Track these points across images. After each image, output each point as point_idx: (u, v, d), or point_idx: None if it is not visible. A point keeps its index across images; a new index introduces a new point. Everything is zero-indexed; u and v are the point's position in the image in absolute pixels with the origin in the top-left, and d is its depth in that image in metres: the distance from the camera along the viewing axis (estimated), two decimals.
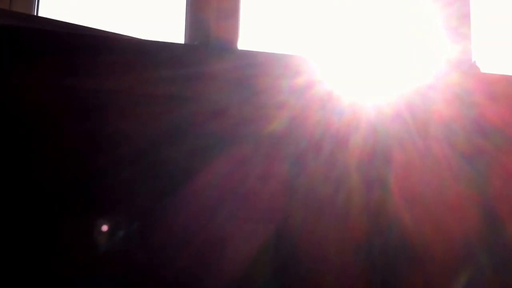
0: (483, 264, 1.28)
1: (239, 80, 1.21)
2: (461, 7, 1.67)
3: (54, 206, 1.10)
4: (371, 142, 1.26)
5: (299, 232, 1.21)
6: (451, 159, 1.32)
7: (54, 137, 1.12)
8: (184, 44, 1.49)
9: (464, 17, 1.66)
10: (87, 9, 1.58)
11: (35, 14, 1.52)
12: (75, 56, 1.14)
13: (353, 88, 1.27)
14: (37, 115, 1.09)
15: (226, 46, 1.49)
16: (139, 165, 1.12)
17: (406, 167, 1.29)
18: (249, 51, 1.27)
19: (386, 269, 1.23)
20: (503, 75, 1.43)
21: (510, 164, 1.35)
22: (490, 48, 1.76)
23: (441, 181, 1.31)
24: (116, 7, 1.63)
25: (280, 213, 1.20)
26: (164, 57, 1.17)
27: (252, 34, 1.67)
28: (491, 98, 1.37)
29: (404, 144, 1.29)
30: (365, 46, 1.56)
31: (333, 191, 1.23)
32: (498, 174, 1.34)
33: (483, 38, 1.73)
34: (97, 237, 1.08)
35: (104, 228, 1.11)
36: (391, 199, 1.27)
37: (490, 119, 1.35)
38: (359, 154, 1.25)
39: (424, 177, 1.30)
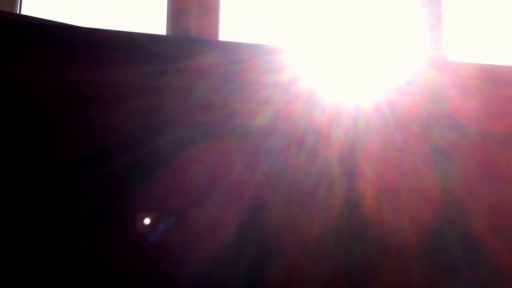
0: (455, 254, 1.32)
1: (225, 74, 1.22)
2: (434, 5, 1.71)
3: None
4: (352, 136, 1.28)
5: (282, 223, 1.23)
6: (428, 152, 1.35)
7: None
8: (172, 36, 1.49)
9: (437, 16, 1.70)
10: (69, 5, 1.56)
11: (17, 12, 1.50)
12: (61, 48, 1.13)
13: (334, 84, 1.30)
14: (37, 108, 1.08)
15: (213, 39, 1.49)
16: (127, 157, 1.12)
17: (386, 161, 1.33)
18: (236, 43, 1.28)
19: (363, 260, 1.26)
20: (472, 64, 1.46)
21: (482, 157, 1.39)
22: (462, 43, 1.81)
23: (418, 174, 1.34)
24: (97, 1, 1.62)
25: (264, 205, 1.22)
26: (150, 50, 1.17)
27: (233, 28, 1.68)
28: (463, 90, 1.40)
29: (384, 138, 1.32)
30: (345, 42, 1.58)
31: (316, 184, 1.25)
32: (471, 167, 1.38)
33: (455, 35, 1.78)
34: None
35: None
36: (371, 191, 1.30)
37: (462, 114, 1.39)
38: (341, 148, 1.27)
39: (402, 170, 1.33)
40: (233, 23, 1.68)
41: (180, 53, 1.21)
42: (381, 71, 1.38)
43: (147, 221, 1.14)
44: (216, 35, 1.75)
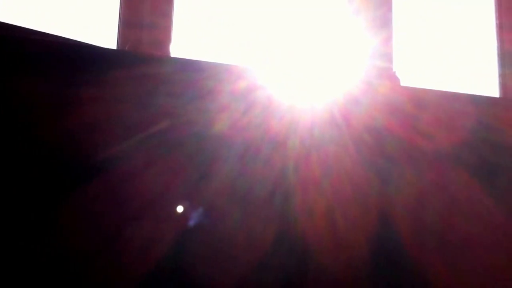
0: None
1: (183, 85, 1.22)
2: (384, 19, 1.77)
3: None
4: (307, 144, 1.30)
5: (237, 229, 1.23)
6: (379, 162, 1.39)
7: None
8: (130, 51, 1.48)
9: (387, 30, 1.76)
10: (20, 10, 1.52)
11: None
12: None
13: (290, 94, 1.32)
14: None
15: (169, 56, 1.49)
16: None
17: (339, 170, 1.35)
18: (190, 59, 1.28)
19: (315, 267, 1.27)
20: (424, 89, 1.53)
21: (428, 169, 1.43)
22: (411, 59, 1.87)
23: (369, 183, 1.37)
24: (49, 8, 1.58)
25: (220, 211, 1.22)
26: (108, 63, 1.16)
27: (184, 39, 1.68)
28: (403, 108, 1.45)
29: (337, 147, 1.35)
30: (298, 55, 1.61)
31: (271, 192, 1.26)
32: (420, 178, 1.42)
33: (405, 50, 1.85)
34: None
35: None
36: (325, 200, 1.32)
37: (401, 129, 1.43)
38: (296, 156, 1.29)
39: (354, 179, 1.36)
40: (185, 37, 1.68)
41: (136, 64, 1.20)
42: (335, 84, 1.41)
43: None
44: (167, 49, 1.75)
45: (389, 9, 1.82)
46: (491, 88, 1.91)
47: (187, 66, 1.24)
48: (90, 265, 1.10)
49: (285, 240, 1.27)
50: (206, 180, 1.21)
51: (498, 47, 1.93)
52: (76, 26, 1.56)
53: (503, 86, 1.88)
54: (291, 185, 1.30)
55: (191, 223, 1.19)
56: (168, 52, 1.73)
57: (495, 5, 1.97)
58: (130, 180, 1.15)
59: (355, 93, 1.39)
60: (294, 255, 1.27)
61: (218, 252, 1.21)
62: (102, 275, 1.10)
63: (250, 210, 1.25)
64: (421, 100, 1.47)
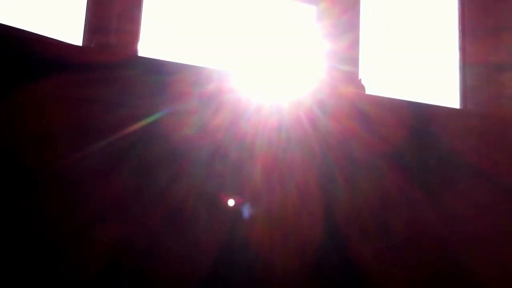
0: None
1: (152, 87, 1.21)
2: (351, 23, 1.79)
3: None
4: (275, 146, 1.31)
5: (203, 232, 1.23)
6: (344, 164, 1.41)
7: None
8: (97, 47, 1.45)
9: (354, 35, 1.79)
10: None
11: None
12: None
13: (258, 96, 1.33)
14: None
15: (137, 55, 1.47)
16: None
17: (305, 171, 1.37)
18: (159, 60, 1.27)
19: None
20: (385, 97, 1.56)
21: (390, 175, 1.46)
22: (377, 67, 1.91)
23: (335, 186, 1.39)
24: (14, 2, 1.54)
25: (189, 214, 1.21)
26: (78, 60, 1.13)
27: (152, 38, 1.66)
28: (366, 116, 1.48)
29: (304, 149, 1.36)
30: (265, 58, 1.62)
31: (238, 194, 1.27)
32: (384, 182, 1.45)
33: (372, 57, 1.88)
34: None
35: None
36: (292, 201, 1.33)
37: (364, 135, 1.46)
38: (264, 157, 1.30)
39: (320, 180, 1.38)
40: (153, 38, 1.67)
41: (106, 65, 1.18)
42: (302, 87, 1.42)
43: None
44: (136, 45, 1.73)
45: (357, 13, 1.85)
46: (453, 98, 1.97)
47: (154, 66, 1.23)
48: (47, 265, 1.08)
49: (253, 242, 1.27)
50: (174, 183, 1.20)
51: (460, 59, 1.99)
52: (40, 20, 1.53)
53: (463, 96, 1.94)
54: (258, 187, 1.31)
55: (160, 225, 1.18)
56: (136, 52, 1.71)
57: (459, 18, 2.03)
58: (95, 182, 1.13)
59: (320, 96, 1.41)
60: (260, 257, 1.27)
61: (184, 254, 1.21)
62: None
63: (217, 212, 1.25)
64: (382, 108, 1.51)
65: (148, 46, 1.64)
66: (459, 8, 2.04)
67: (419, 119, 1.52)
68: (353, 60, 1.79)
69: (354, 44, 1.80)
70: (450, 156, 1.52)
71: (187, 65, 1.29)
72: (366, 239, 1.39)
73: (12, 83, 1.09)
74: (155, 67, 1.24)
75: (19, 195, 1.07)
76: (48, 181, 1.10)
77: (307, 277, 1.31)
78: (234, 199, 1.21)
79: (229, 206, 1.23)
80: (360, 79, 1.75)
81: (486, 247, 1.49)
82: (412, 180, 1.47)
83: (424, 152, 1.51)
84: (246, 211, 1.19)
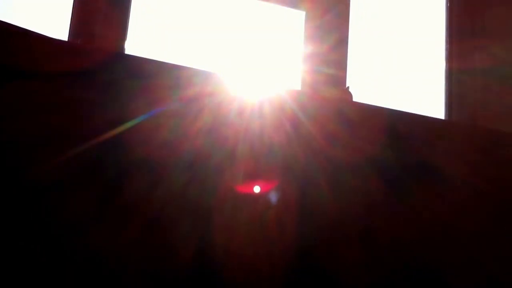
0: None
1: (131, 88, 1.19)
2: (339, 32, 1.80)
3: None
4: (256, 152, 1.30)
5: (188, 239, 1.22)
6: (329, 170, 1.41)
7: None
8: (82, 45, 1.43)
9: (342, 44, 1.79)
10: None
11: None
12: None
13: (240, 100, 1.32)
14: None
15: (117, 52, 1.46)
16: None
17: (288, 174, 1.36)
18: (143, 58, 1.26)
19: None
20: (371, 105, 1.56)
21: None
22: (365, 75, 1.92)
23: (319, 191, 1.39)
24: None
25: (170, 221, 1.20)
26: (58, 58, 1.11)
27: (139, 36, 1.65)
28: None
29: (287, 154, 1.36)
30: (249, 61, 1.62)
31: (221, 200, 1.26)
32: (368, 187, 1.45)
33: (360, 65, 1.89)
34: None
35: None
36: (274, 208, 1.32)
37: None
38: (245, 163, 1.29)
39: (304, 187, 1.37)
40: (140, 35, 1.66)
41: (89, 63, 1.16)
42: (286, 91, 1.42)
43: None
44: (122, 42, 1.71)
45: (346, 17, 1.85)
46: (439, 104, 1.98)
47: (136, 65, 1.21)
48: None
49: (234, 248, 1.26)
50: (153, 189, 1.19)
51: (446, 64, 2.00)
52: (23, 13, 1.51)
53: (449, 107, 1.95)
54: (241, 191, 1.30)
55: (138, 232, 1.17)
56: (123, 49, 1.70)
57: (446, 27, 2.04)
58: (70, 191, 1.11)
59: (304, 100, 1.41)
60: (242, 263, 1.27)
61: (165, 261, 1.19)
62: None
63: (198, 218, 1.24)
64: (365, 114, 1.51)
65: (136, 44, 1.63)
66: (446, 12, 2.06)
67: (401, 127, 1.53)
68: (341, 65, 1.79)
69: (342, 48, 1.80)
70: (432, 164, 1.53)
71: (169, 64, 1.28)
72: (348, 244, 1.40)
73: None
74: (137, 65, 1.22)
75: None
76: (22, 187, 1.08)
77: (288, 284, 1.31)
78: (216, 206, 1.20)
79: (210, 213, 1.21)
80: (348, 87, 1.76)
81: (468, 252, 1.51)
82: (394, 187, 1.48)
83: (405, 159, 1.52)
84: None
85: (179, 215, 1.20)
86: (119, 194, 1.16)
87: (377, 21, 1.99)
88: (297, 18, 1.83)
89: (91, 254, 1.12)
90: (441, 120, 1.84)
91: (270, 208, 1.34)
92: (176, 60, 1.50)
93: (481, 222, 1.56)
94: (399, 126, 1.53)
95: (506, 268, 1.53)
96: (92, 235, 1.12)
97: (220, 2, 1.74)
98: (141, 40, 1.64)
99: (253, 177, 1.32)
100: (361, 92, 1.84)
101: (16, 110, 1.10)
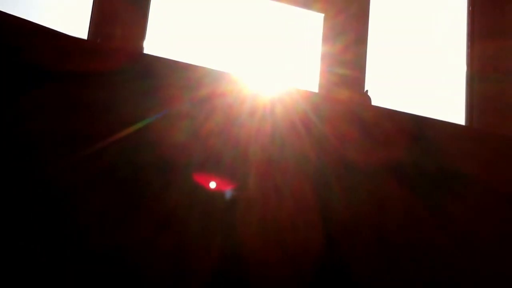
0: None
1: (144, 90, 1.20)
2: (359, 35, 1.78)
3: None
4: (268, 152, 1.30)
5: (196, 240, 1.22)
6: (341, 171, 1.40)
7: None
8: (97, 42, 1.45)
9: (360, 46, 1.78)
10: None
11: None
12: None
13: (252, 101, 1.32)
14: None
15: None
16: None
17: (300, 177, 1.36)
18: (156, 57, 1.26)
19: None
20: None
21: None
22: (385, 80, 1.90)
23: (331, 192, 1.38)
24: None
25: (182, 223, 1.21)
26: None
27: (158, 37, 1.67)
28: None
29: (298, 155, 1.35)
30: (265, 61, 1.62)
31: (232, 201, 1.26)
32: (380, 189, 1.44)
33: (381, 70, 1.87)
34: None
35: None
36: (286, 205, 1.32)
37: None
38: (257, 163, 1.29)
39: (315, 188, 1.37)
40: (160, 35, 1.67)
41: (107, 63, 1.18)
42: (297, 91, 1.41)
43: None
44: (142, 42, 1.73)
45: (366, 19, 1.83)
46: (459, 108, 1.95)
47: (152, 64, 1.22)
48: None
49: (244, 249, 1.26)
50: (164, 190, 1.20)
51: (467, 66, 1.97)
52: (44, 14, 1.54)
53: (469, 112, 1.92)
54: (252, 192, 1.30)
55: (152, 232, 1.18)
56: (142, 49, 1.72)
57: (467, 36, 2.01)
58: (84, 191, 1.13)
59: (317, 101, 1.40)
60: (251, 264, 1.26)
61: (177, 263, 1.20)
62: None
63: (209, 219, 1.24)
64: (380, 117, 1.50)
65: (154, 45, 1.65)
66: (468, 13, 2.02)
67: (417, 131, 1.52)
68: (359, 67, 1.77)
69: (360, 50, 1.79)
70: (449, 169, 1.51)
71: (185, 63, 1.29)
72: (362, 248, 1.38)
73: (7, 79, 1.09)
74: (153, 65, 1.23)
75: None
76: (37, 188, 1.10)
77: (301, 286, 1.30)
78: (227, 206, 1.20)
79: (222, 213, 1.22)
80: (367, 90, 1.74)
81: (486, 256, 1.48)
82: (410, 190, 1.46)
83: (422, 164, 1.50)
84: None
85: (191, 215, 1.21)
86: (132, 194, 1.17)
87: (396, 24, 1.97)
88: (316, 20, 1.82)
89: (109, 252, 1.13)
90: (461, 126, 1.81)
91: (282, 207, 1.33)
92: (194, 60, 1.51)
93: (502, 227, 1.53)
94: (416, 130, 1.51)
95: None
96: (106, 233, 1.14)
97: (239, 3, 1.74)
98: (159, 40, 1.66)
99: (265, 177, 1.32)
100: (380, 95, 1.83)
101: (42, 109, 1.13)
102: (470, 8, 2.03)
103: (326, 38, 1.77)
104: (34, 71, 1.11)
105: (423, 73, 1.97)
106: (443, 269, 1.44)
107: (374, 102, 1.73)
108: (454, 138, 1.54)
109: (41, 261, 1.09)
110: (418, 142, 1.49)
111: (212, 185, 1.24)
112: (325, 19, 1.79)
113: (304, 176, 1.36)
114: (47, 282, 1.09)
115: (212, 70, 1.31)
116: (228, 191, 1.26)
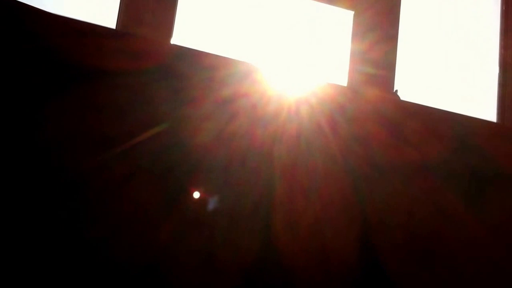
0: None
1: (171, 90, 1.20)
2: (389, 34, 1.75)
3: None
4: (294, 153, 1.29)
5: (222, 241, 1.22)
6: (368, 172, 1.38)
7: None
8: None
9: (390, 44, 1.75)
10: None
11: None
12: None
13: (277, 102, 1.30)
14: None
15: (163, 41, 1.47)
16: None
17: (326, 177, 1.34)
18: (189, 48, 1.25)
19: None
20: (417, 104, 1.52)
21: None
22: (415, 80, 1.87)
23: (358, 192, 1.37)
24: None
25: (206, 224, 1.20)
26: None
27: (186, 30, 1.66)
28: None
29: (324, 157, 1.34)
30: (294, 59, 1.60)
31: (257, 202, 1.25)
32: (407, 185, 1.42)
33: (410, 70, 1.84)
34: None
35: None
36: (312, 209, 1.31)
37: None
38: (282, 165, 1.28)
39: (342, 189, 1.35)
40: (189, 25, 1.67)
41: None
42: (322, 94, 1.40)
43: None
44: (170, 34, 1.73)
45: (396, 18, 1.81)
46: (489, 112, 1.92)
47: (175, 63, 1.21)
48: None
49: (271, 252, 1.26)
50: (189, 191, 1.20)
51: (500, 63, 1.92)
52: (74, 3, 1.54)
53: (501, 112, 1.88)
54: (278, 195, 1.29)
55: (177, 232, 1.18)
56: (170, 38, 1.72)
57: (500, 35, 1.96)
58: (110, 191, 1.14)
59: (343, 101, 1.39)
60: (279, 267, 1.26)
61: (203, 264, 1.20)
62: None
63: (235, 221, 1.24)
64: (414, 115, 1.47)
65: (183, 38, 1.64)
66: (501, 12, 1.97)
67: (448, 128, 1.49)
68: (389, 65, 1.75)
69: (390, 49, 1.76)
70: (482, 167, 1.48)
71: (213, 55, 1.27)
72: (392, 248, 1.37)
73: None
74: (179, 63, 1.22)
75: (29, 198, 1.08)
76: (61, 187, 1.11)
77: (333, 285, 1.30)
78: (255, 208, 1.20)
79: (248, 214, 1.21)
80: (396, 90, 1.72)
81: None
82: (441, 189, 1.44)
83: (453, 162, 1.47)
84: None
85: (216, 216, 1.21)
86: (157, 194, 1.17)
87: (427, 22, 1.93)
88: (346, 17, 1.80)
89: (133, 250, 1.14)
90: (494, 123, 1.78)
91: (308, 210, 1.33)
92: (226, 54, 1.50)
93: None
94: (446, 129, 1.48)
95: None
96: (136, 233, 1.14)
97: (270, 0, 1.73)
98: (188, 35, 1.65)
99: (291, 179, 1.32)
100: (410, 95, 1.80)
101: (73, 110, 1.13)
102: (503, 8, 1.98)
103: (355, 36, 1.75)
104: (68, 70, 1.12)
105: (454, 72, 1.93)
106: (477, 269, 1.42)
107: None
108: (487, 136, 1.51)
109: (73, 259, 1.10)
110: (450, 140, 1.46)
111: (237, 187, 1.24)
112: (355, 16, 1.77)
113: (332, 178, 1.34)
114: (83, 278, 1.11)
115: (241, 62, 1.29)
116: (251, 193, 1.25)
